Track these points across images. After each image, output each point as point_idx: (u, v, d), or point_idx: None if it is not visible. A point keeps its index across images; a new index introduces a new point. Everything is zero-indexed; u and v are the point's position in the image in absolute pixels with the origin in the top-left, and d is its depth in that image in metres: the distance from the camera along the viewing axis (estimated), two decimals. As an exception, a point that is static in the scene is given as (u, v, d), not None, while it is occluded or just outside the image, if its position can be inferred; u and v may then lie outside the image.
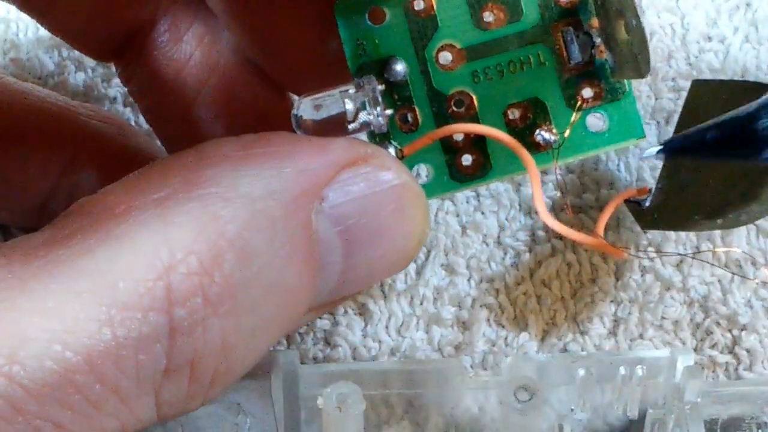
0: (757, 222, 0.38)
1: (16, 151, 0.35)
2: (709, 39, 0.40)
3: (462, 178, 0.31)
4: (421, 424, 0.37)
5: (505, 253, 0.39)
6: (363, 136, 0.30)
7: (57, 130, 0.36)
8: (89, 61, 0.41)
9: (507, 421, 0.34)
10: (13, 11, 0.41)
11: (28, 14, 0.34)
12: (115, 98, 0.41)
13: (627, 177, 0.39)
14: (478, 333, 0.38)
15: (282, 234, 0.25)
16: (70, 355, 0.22)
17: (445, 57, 0.30)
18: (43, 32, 0.41)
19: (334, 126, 0.28)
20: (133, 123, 0.40)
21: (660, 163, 0.36)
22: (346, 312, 0.38)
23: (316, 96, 0.29)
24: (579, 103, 0.30)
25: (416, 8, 0.30)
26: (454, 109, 0.30)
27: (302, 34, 0.32)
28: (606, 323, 0.38)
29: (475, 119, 0.30)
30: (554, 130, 0.30)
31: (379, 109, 0.29)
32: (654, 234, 0.39)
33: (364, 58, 0.30)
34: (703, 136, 0.28)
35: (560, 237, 0.39)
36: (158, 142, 0.39)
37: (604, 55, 0.30)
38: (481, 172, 0.31)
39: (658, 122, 0.40)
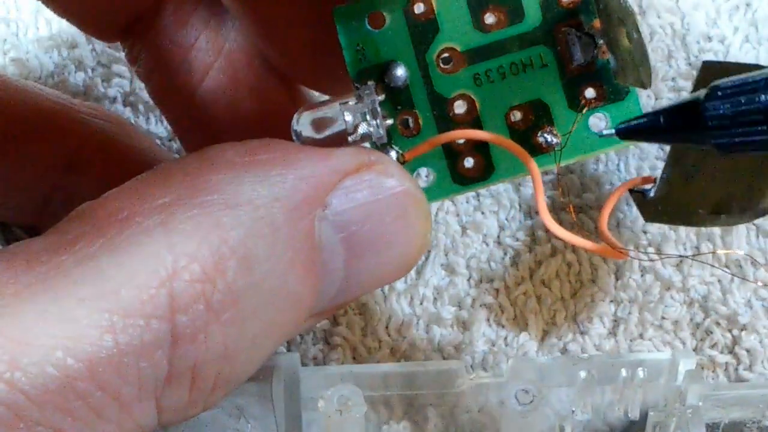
0: (757, 222, 0.39)
1: (17, 150, 0.35)
2: (709, 39, 0.40)
3: (464, 180, 0.31)
4: (422, 425, 0.37)
5: (505, 253, 0.39)
6: (364, 144, 0.30)
7: (58, 128, 0.36)
8: (89, 61, 0.41)
9: (508, 422, 0.34)
10: (13, 11, 0.41)
11: None
12: (115, 98, 0.40)
13: (627, 177, 0.39)
14: (478, 333, 0.38)
15: (285, 241, 0.25)
16: (72, 361, 0.22)
17: (446, 60, 0.30)
18: (43, 32, 0.41)
19: (335, 138, 0.28)
20: (132, 123, 0.40)
21: (664, 152, 0.35)
22: (346, 312, 0.38)
23: (316, 109, 0.29)
24: (582, 103, 0.30)
25: (416, 12, 0.30)
26: (456, 112, 0.30)
27: (308, 26, 0.32)
28: (606, 323, 0.38)
29: (477, 122, 0.30)
30: (556, 132, 0.30)
31: (378, 120, 0.29)
32: (654, 234, 0.39)
33: (364, 64, 0.30)
34: (657, 119, 0.28)
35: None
36: (159, 141, 0.39)
37: (606, 55, 0.29)
38: (483, 174, 0.31)
39: (658, 122, 0.40)
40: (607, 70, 0.30)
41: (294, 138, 0.28)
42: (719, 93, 0.25)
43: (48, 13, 0.40)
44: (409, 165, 0.30)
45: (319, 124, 0.28)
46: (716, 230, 0.38)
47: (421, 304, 0.39)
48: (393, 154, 0.30)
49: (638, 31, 0.29)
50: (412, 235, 0.28)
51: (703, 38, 0.40)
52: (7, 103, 0.35)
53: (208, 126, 0.34)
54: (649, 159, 0.39)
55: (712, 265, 0.38)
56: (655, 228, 0.39)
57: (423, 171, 0.31)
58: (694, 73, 0.40)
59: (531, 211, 0.39)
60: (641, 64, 0.29)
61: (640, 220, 0.39)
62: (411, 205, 0.28)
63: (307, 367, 0.37)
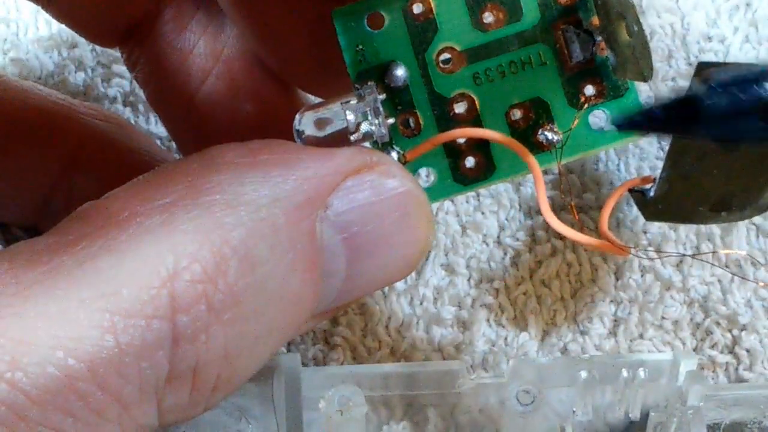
0: (757, 222, 0.39)
1: (17, 150, 0.35)
2: (709, 39, 0.40)
3: (466, 180, 0.31)
4: (422, 426, 0.37)
5: (505, 253, 0.39)
6: (366, 144, 0.30)
7: (58, 128, 0.36)
8: (89, 61, 0.40)
9: (508, 422, 0.34)
10: (13, 11, 0.41)
11: (33, 1, 0.34)
12: (115, 98, 0.40)
13: (627, 177, 0.39)
14: (478, 333, 0.38)
15: (286, 241, 0.25)
16: (73, 361, 0.22)
17: (446, 60, 0.30)
18: (43, 32, 0.41)
19: (337, 137, 0.28)
20: (132, 123, 0.40)
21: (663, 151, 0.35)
22: (346, 312, 0.38)
23: (318, 110, 0.29)
24: (582, 101, 0.30)
25: (415, 12, 0.30)
26: (456, 111, 0.30)
27: (306, 30, 0.32)
28: (606, 323, 0.38)
29: (478, 121, 0.30)
30: (557, 130, 0.30)
31: (380, 119, 0.29)
32: (654, 234, 0.39)
33: (363, 65, 0.30)
34: (654, 112, 0.28)
35: (560, 237, 0.39)
36: (159, 141, 0.39)
37: (605, 52, 0.29)
38: (484, 173, 0.31)
39: (658, 122, 0.40)
40: (606, 66, 0.30)
41: (296, 138, 0.28)
42: (715, 85, 0.25)
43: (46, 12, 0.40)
44: (411, 165, 0.30)
45: (320, 124, 0.28)
46: (716, 230, 0.39)
47: (421, 304, 0.39)
48: (394, 154, 0.30)
49: (638, 23, 0.28)
50: (414, 236, 0.28)
51: (703, 38, 0.40)
52: (7, 104, 0.35)
53: (207, 131, 0.34)
54: (649, 159, 0.39)
55: (713, 264, 0.38)
56: (656, 228, 0.39)
57: (423, 171, 0.31)
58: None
59: (531, 211, 0.39)
60: (642, 56, 0.29)
61: (641, 219, 0.39)
62: (413, 205, 0.28)
63: (308, 367, 0.37)
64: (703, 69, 0.33)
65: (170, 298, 0.23)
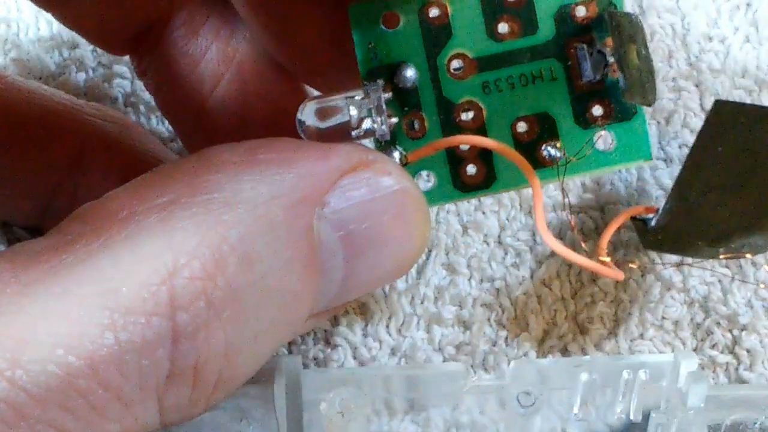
0: (757, 222, 0.39)
1: (21, 151, 0.35)
2: (710, 39, 0.40)
3: (465, 187, 0.31)
4: (423, 427, 0.37)
5: (506, 253, 0.39)
6: (369, 141, 0.30)
7: (61, 129, 0.36)
8: (90, 62, 0.40)
9: (509, 424, 0.34)
10: (14, 11, 0.41)
11: (42, 8, 0.34)
12: (116, 98, 0.40)
13: (628, 177, 0.39)
14: (478, 333, 0.38)
15: (284, 239, 0.25)
16: (73, 359, 0.22)
17: (457, 66, 0.30)
18: (44, 32, 0.41)
19: (338, 131, 0.28)
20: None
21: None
22: (346, 312, 0.38)
23: (321, 100, 0.29)
24: (590, 121, 0.30)
25: (431, 15, 0.30)
26: (462, 118, 0.30)
27: (322, 31, 0.32)
28: (606, 323, 0.38)
29: (483, 130, 0.30)
30: (560, 146, 0.30)
31: (383, 117, 0.29)
32: (654, 234, 0.39)
33: (374, 62, 0.30)
34: None
35: (560, 237, 0.39)
36: (160, 141, 0.39)
37: (616, 74, 0.29)
38: (485, 183, 0.30)
39: (658, 122, 0.40)
40: (616, 88, 0.30)
41: (298, 127, 0.28)
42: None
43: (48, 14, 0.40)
44: (412, 167, 0.30)
45: (323, 115, 0.28)
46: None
47: (421, 303, 0.39)
48: (396, 154, 0.30)
49: (646, 47, 0.28)
50: (410, 233, 0.28)
51: (703, 38, 0.40)
52: (11, 104, 0.35)
53: (219, 136, 0.34)
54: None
55: (712, 268, 0.38)
56: (656, 228, 0.39)
57: (424, 173, 0.31)
58: (695, 73, 0.40)
59: (532, 211, 0.39)
60: (647, 80, 0.29)
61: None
62: (409, 203, 0.28)
63: (308, 369, 0.37)
64: (720, 108, 0.33)
65: (170, 295, 0.23)
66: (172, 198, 0.25)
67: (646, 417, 0.34)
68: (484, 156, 0.30)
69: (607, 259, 0.34)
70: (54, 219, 0.36)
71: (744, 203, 0.33)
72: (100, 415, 0.23)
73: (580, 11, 0.30)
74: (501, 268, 0.39)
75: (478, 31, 0.30)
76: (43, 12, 0.40)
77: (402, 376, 0.35)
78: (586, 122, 0.30)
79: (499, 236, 0.39)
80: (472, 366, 0.38)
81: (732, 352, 0.38)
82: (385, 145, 0.30)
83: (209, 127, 0.34)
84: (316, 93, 0.35)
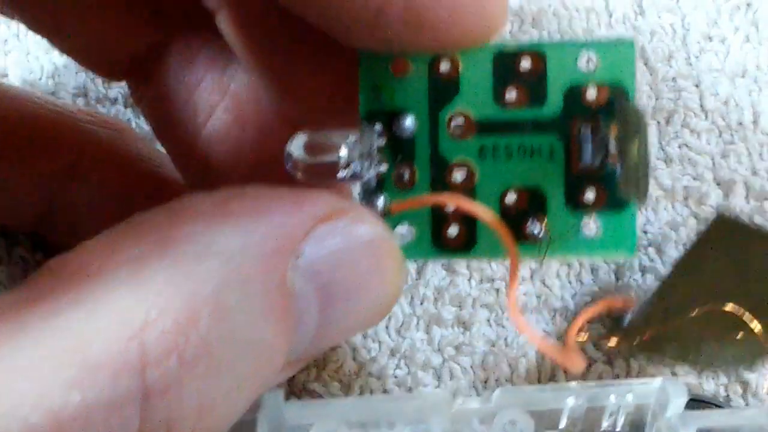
0: (758, 222, 0.39)
1: (16, 159, 0.35)
2: (710, 39, 0.40)
3: (444, 247, 0.30)
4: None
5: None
6: (354, 184, 0.30)
7: (56, 137, 0.36)
8: (89, 63, 0.41)
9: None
10: (13, 12, 0.41)
11: (39, 34, 0.34)
12: (115, 99, 0.40)
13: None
14: (478, 333, 0.39)
15: (258, 291, 0.25)
16: (37, 418, 0.22)
17: (458, 125, 0.29)
18: (43, 33, 0.41)
19: (325, 169, 0.28)
20: (133, 125, 0.40)
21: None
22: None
23: (313, 134, 0.28)
24: (580, 204, 0.29)
25: (441, 69, 0.29)
26: (454, 178, 0.30)
27: (320, 84, 0.32)
28: (606, 323, 0.38)
29: (472, 193, 0.30)
30: (546, 224, 0.29)
31: (372, 162, 0.28)
32: (654, 234, 0.39)
33: (375, 105, 0.29)
34: None
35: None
36: (158, 145, 0.39)
37: (616, 163, 0.29)
38: (464, 246, 0.30)
39: (658, 122, 0.40)
40: (612, 177, 0.29)
41: (285, 159, 0.28)
42: None
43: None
44: (394, 218, 0.29)
45: (312, 150, 0.28)
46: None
47: (421, 304, 0.39)
48: (380, 201, 0.29)
49: (647, 146, 0.28)
50: (385, 282, 0.27)
51: (703, 38, 0.40)
52: (6, 113, 0.35)
53: (213, 165, 0.34)
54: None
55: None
56: (656, 228, 0.39)
57: (405, 226, 0.30)
58: (695, 73, 0.40)
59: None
60: (643, 178, 0.28)
61: (640, 218, 0.39)
62: (384, 252, 0.27)
63: (291, 401, 0.36)
64: (720, 222, 0.33)
65: (140, 351, 0.23)
66: (143, 251, 0.24)
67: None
68: (468, 219, 0.30)
69: (581, 339, 0.35)
70: (53, 226, 0.36)
71: (723, 319, 0.33)
72: None
73: (591, 93, 0.29)
74: (501, 268, 0.39)
75: (485, 93, 0.29)
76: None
77: (385, 406, 0.34)
78: (576, 205, 0.29)
79: (498, 236, 0.39)
80: (471, 367, 0.38)
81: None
82: (370, 192, 0.30)
83: (204, 156, 0.34)
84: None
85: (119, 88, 0.40)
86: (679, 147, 0.39)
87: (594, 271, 0.39)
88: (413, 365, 0.38)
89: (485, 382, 0.38)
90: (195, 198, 0.26)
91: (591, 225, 0.29)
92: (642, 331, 0.34)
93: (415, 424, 0.34)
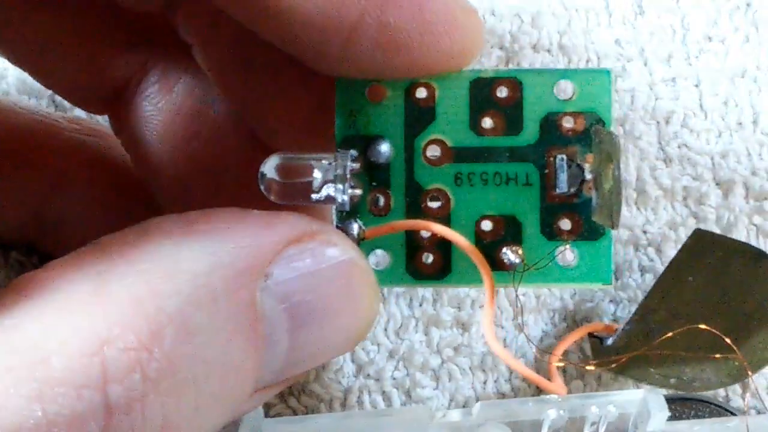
0: (757, 222, 0.39)
1: (1, 171, 0.35)
2: (710, 39, 0.40)
3: (418, 274, 0.30)
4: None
5: (505, 253, 0.39)
6: (329, 207, 0.30)
7: (41, 147, 0.36)
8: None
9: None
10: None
11: (19, 67, 0.34)
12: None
13: (627, 177, 0.39)
14: (477, 334, 0.39)
15: (225, 310, 0.25)
16: None
17: (433, 151, 0.29)
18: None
19: (299, 191, 0.28)
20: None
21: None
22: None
23: (288, 156, 0.28)
24: (556, 233, 0.29)
25: (417, 95, 0.29)
26: (429, 205, 0.30)
27: (297, 110, 0.32)
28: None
29: (447, 220, 0.30)
30: (521, 253, 0.29)
31: (345, 186, 0.28)
32: (654, 234, 0.39)
33: (351, 131, 0.29)
34: None
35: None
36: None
37: (591, 192, 0.29)
38: (439, 273, 0.30)
39: (657, 122, 0.39)
40: (587, 206, 0.29)
41: (258, 180, 0.28)
42: None
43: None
44: (368, 244, 0.29)
45: (286, 171, 0.28)
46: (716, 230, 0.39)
47: (420, 305, 0.39)
48: (355, 226, 0.29)
49: (619, 169, 0.28)
50: (357, 305, 0.27)
51: (703, 38, 0.40)
52: None
53: (193, 192, 0.34)
54: (649, 159, 0.39)
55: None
56: (655, 228, 0.39)
57: (379, 252, 0.30)
58: (695, 73, 0.40)
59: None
60: (616, 203, 0.28)
61: (640, 218, 0.39)
62: (355, 275, 0.27)
63: (270, 418, 0.35)
64: (699, 237, 0.33)
65: (102, 366, 0.23)
66: (107, 267, 0.24)
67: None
68: (443, 247, 0.30)
69: (561, 364, 0.35)
70: (44, 235, 0.36)
71: (704, 337, 0.33)
72: None
73: (568, 122, 0.29)
74: (500, 269, 0.39)
75: (461, 120, 0.29)
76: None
77: (367, 422, 0.34)
78: (551, 234, 0.29)
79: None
80: (470, 368, 0.38)
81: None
82: (345, 216, 0.29)
83: (184, 183, 0.34)
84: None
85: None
86: (679, 147, 0.39)
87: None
88: (412, 367, 0.38)
89: (484, 383, 0.38)
90: (165, 218, 0.26)
91: (567, 254, 0.29)
92: (623, 353, 0.34)
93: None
